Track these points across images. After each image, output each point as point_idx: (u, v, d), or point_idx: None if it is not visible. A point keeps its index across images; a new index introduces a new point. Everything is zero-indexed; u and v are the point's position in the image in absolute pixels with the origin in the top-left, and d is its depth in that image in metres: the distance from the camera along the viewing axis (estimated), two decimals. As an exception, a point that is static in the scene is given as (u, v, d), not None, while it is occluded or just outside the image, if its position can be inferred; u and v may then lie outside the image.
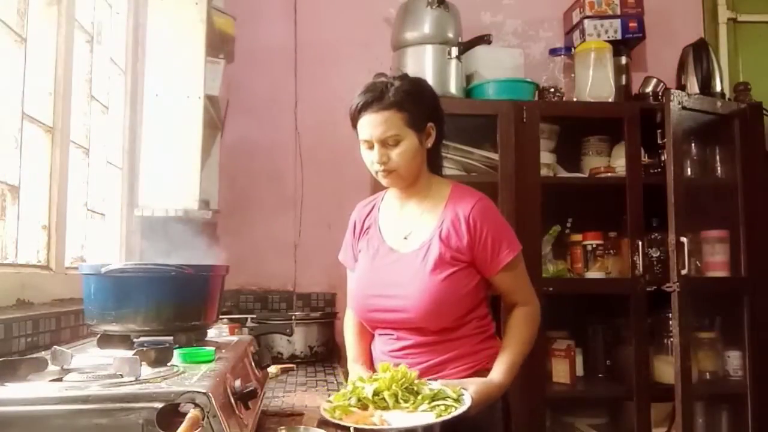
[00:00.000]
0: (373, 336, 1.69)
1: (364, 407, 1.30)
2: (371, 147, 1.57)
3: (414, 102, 1.57)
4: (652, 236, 2.65)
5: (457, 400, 1.32)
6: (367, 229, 1.71)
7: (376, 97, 1.55)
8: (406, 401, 1.31)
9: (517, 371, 1.55)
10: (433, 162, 1.69)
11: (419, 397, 1.32)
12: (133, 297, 1.33)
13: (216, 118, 2.69)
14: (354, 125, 1.60)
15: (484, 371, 1.54)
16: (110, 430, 0.87)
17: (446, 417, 1.27)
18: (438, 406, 1.29)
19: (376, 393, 1.33)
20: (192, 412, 0.87)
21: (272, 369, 2.19)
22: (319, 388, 1.98)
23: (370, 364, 1.66)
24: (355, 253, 1.73)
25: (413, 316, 1.53)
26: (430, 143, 1.62)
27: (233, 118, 2.95)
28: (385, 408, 1.30)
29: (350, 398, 1.33)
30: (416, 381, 1.37)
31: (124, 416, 0.87)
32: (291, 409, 1.59)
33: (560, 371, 2.62)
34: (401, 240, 1.63)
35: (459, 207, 1.59)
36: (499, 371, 1.52)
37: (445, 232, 1.56)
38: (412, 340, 1.57)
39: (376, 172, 1.60)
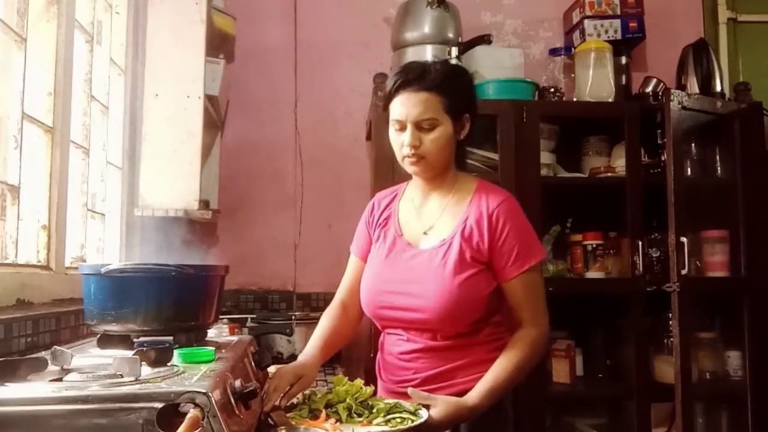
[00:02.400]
0: (348, 336, 1.64)
1: (316, 418, 1.27)
2: (403, 128, 1.48)
3: (455, 88, 1.49)
4: (652, 236, 2.65)
5: (414, 414, 1.28)
6: (385, 219, 1.62)
7: (417, 76, 1.47)
8: (360, 415, 1.28)
9: (498, 397, 1.42)
10: (460, 157, 1.60)
11: (375, 411, 1.28)
12: (133, 297, 1.34)
13: (216, 118, 2.69)
14: (386, 105, 1.51)
15: None
16: (110, 430, 0.87)
17: (401, 428, 1.22)
18: (394, 419, 1.25)
19: (329, 405, 1.30)
20: (192, 412, 0.87)
21: (272, 369, 2.19)
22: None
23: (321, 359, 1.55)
24: (365, 241, 1.64)
25: (428, 317, 1.45)
26: (463, 135, 1.54)
27: (233, 118, 2.95)
28: (338, 421, 1.25)
29: (302, 410, 1.30)
30: (371, 398, 1.33)
31: (124, 416, 0.87)
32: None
33: (560, 371, 2.62)
34: (420, 235, 1.55)
35: (484, 204, 1.50)
36: (477, 393, 1.39)
37: (468, 231, 1.48)
38: (423, 343, 1.48)
39: (404, 158, 1.50)
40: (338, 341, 1.63)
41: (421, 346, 1.49)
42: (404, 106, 1.46)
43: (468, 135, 1.56)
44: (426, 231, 1.54)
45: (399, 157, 1.52)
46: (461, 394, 1.41)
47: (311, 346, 1.56)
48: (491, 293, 1.48)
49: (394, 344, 1.54)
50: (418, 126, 1.46)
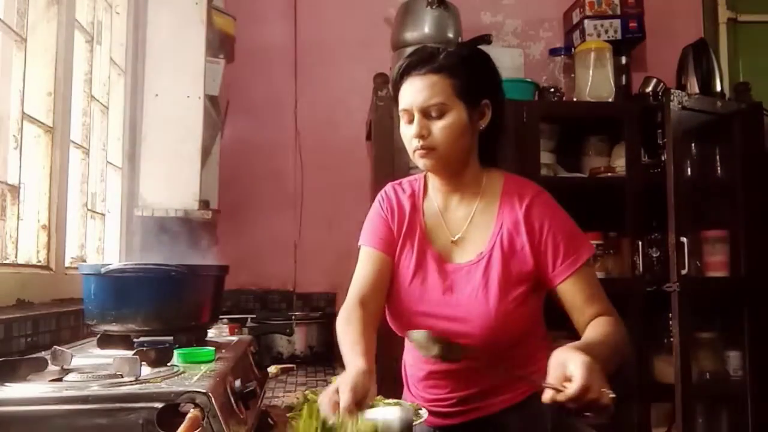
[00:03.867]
0: (374, 337, 1.32)
1: None
2: (411, 119, 1.31)
3: (469, 70, 1.30)
4: (652, 236, 2.65)
5: (415, 414, 1.23)
6: (410, 222, 1.40)
7: (424, 58, 1.30)
8: None
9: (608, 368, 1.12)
10: (487, 151, 1.40)
11: None
12: (133, 297, 1.34)
13: (216, 118, 2.69)
14: (395, 96, 1.35)
15: (535, 395, 1.22)
16: (110, 430, 0.87)
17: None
18: None
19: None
20: (192, 412, 0.87)
21: (272, 369, 2.19)
22: (319, 388, 1.98)
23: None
24: (386, 233, 1.40)
25: (472, 342, 1.27)
26: (483, 124, 1.34)
27: (233, 118, 2.95)
28: None
29: (302, 409, 1.13)
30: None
31: (124, 416, 0.87)
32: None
33: (560, 371, 2.62)
34: (449, 245, 1.37)
35: (516, 204, 1.33)
36: (596, 352, 1.12)
37: (507, 239, 1.31)
38: (463, 363, 1.26)
39: (414, 152, 1.32)
40: (371, 346, 1.27)
41: (459, 367, 1.30)
42: (409, 93, 1.30)
43: (497, 126, 1.37)
44: (454, 240, 1.36)
45: (410, 153, 1.34)
46: (499, 413, 1.33)
47: (357, 356, 1.20)
48: (539, 312, 1.36)
49: (426, 361, 1.35)
50: (426, 113, 1.29)
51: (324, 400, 1.06)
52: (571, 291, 1.30)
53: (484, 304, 1.29)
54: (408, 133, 1.32)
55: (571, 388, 1.01)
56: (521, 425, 1.35)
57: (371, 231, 1.43)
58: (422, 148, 1.30)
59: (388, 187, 1.47)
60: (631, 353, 2.55)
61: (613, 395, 1.05)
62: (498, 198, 1.36)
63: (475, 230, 1.35)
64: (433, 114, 1.29)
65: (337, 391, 1.05)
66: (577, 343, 1.21)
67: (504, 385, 1.35)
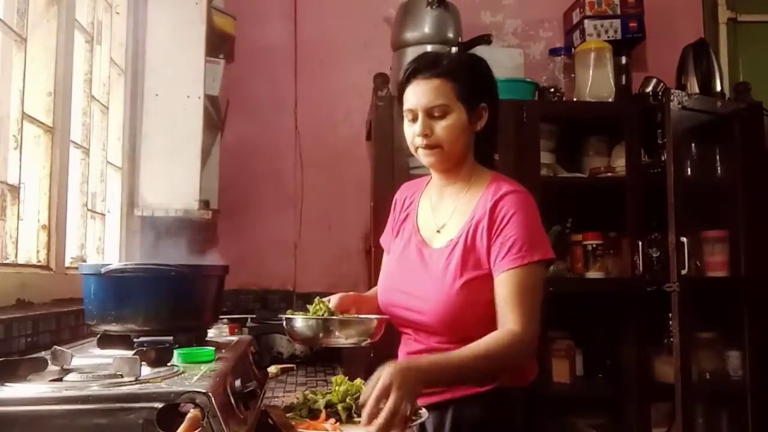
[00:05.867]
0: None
1: (315, 418, 1.25)
2: (415, 118, 1.42)
3: (469, 75, 1.44)
4: (652, 236, 2.65)
5: (414, 414, 1.24)
6: (406, 214, 1.57)
7: (428, 63, 1.43)
8: (360, 415, 1.22)
9: (452, 377, 1.28)
10: (483, 151, 1.52)
11: None
12: (133, 297, 1.34)
13: (216, 118, 2.69)
14: (400, 97, 1.47)
15: (504, 389, 1.37)
16: (110, 430, 0.87)
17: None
18: None
19: (329, 405, 1.27)
20: (192, 412, 0.87)
21: (272, 369, 2.19)
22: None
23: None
24: (390, 235, 1.61)
25: (428, 320, 1.40)
26: (479, 126, 1.45)
27: (233, 118, 2.95)
28: (338, 421, 1.23)
29: (301, 410, 1.28)
30: None
31: (124, 416, 0.87)
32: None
33: (560, 371, 2.62)
34: (434, 233, 1.49)
35: (490, 196, 1.42)
36: (429, 359, 1.28)
37: (473, 229, 1.40)
38: (429, 345, 1.42)
39: (417, 149, 1.44)
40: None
41: (425, 347, 1.43)
42: (414, 95, 1.42)
43: (491, 129, 1.49)
44: (439, 229, 1.49)
45: (412, 149, 1.46)
46: (466, 399, 1.38)
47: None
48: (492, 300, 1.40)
49: (405, 343, 1.51)
50: (429, 114, 1.41)
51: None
52: (502, 285, 1.35)
53: (438, 284, 1.39)
54: (411, 131, 1.44)
55: (367, 389, 1.15)
56: (485, 415, 1.38)
57: (384, 234, 1.64)
58: (426, 146, 1.42)
59: (401, 187, 1.66)
60: (633, 353, 2.56)
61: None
62: (480, 192, 1.46)
63: (455, 221, 1.47)
64: (436, 114, 1.41)
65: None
66: (429, 356, 1.32)
67: None
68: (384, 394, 1.12)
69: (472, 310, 1.37)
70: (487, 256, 1.38)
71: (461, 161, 1.47)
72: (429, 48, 2.66)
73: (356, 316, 1.47)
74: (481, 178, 1.49)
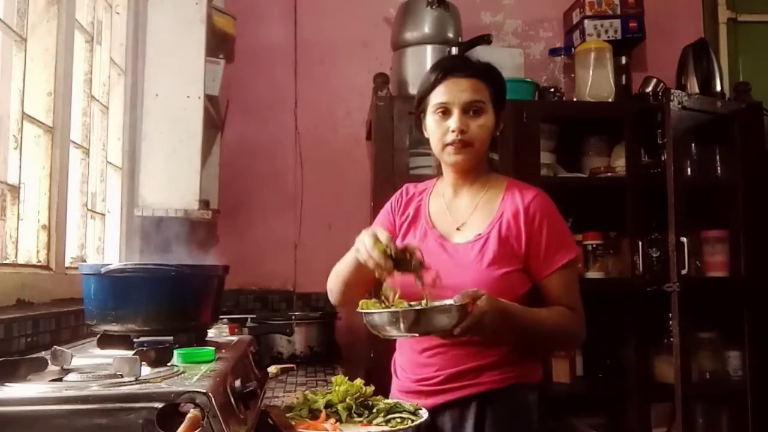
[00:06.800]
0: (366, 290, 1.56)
1: (315, 418, 1.26)
2: (447, 114, 1.44)
3: (497, 81, 1.50)
4: (652, 236, 2.65)
5: (414, 413, 1.27)
6: (415, 211, 1.56)
7: (464, 63, 1.49)
8: (360, 415, 1.26)
9: (527, 334, 1.39)
10: (489, 156, 1.59)
11: (374, 411, 1.27)
12: (133, 297, 1.33)
13: (216, 118, 2.69)
14: (426, 94, 1.47)
15: (522, 385, 1.43)
16: (110, 430, 0.87)
17: (401, 428, 1.21)
18: (393, 419, 1.25)
19: (329, 405, 1.28)
20: (192, 412, 0.87)
21: (272, 369, 2.19)
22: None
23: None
24: (387, 224, 1.59)
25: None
26: (497, 131, 1.52)
27: (233, 118, 2.95)
28: (338, 421, 1.25)
29: (301, 410, 1.29)
30: (372, 397, 1.32)
31: (124, 416, 0.87)
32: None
33: (560, 371, 2.62)
34: (453, 230, 1.50)
35: (518, 199, 1.47)
36: (517, 308, 1.36)
37: (505, 226, 1.44)
38: (449, 341, 1.39)
39: (446, 145, 1.45)
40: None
41: (446, 342, 1.39)
42: (452, 91, 1.43)
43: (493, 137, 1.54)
44: (459, 227, 1.49)
45: (439, 146, 1.47)
46: (484, 394, 1.40)
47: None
48: (524, 295, 1.44)
49: (416, 341, 1.46)
50: (466, 110, 1.43)
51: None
52: (552, 285, 1.44)
53: (477, 273, 1.40)
54: (442, 127, 1.45)
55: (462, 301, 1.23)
56: (504, 412, 1.41)
57: (376, 222, 1.65)
58: (461, 141, 1.43)
59: (405, 185, 1.66)
60: (633, 353, 2.56)
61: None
62: (502, 192, 1.50)
63: (477, 219, 1.48)
64: (472, 112, 1.44)
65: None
66: (510, 302, 1.36)
67: (488, 365, 1.42)
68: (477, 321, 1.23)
69: (509, 299, 1.38)
70: (526, 252, 1.43)
71: (482, 162, 1.52)
72: (429, 48, 2.66)
73: (450, 302, 1.30)
74: (498, 181, 1.54)
